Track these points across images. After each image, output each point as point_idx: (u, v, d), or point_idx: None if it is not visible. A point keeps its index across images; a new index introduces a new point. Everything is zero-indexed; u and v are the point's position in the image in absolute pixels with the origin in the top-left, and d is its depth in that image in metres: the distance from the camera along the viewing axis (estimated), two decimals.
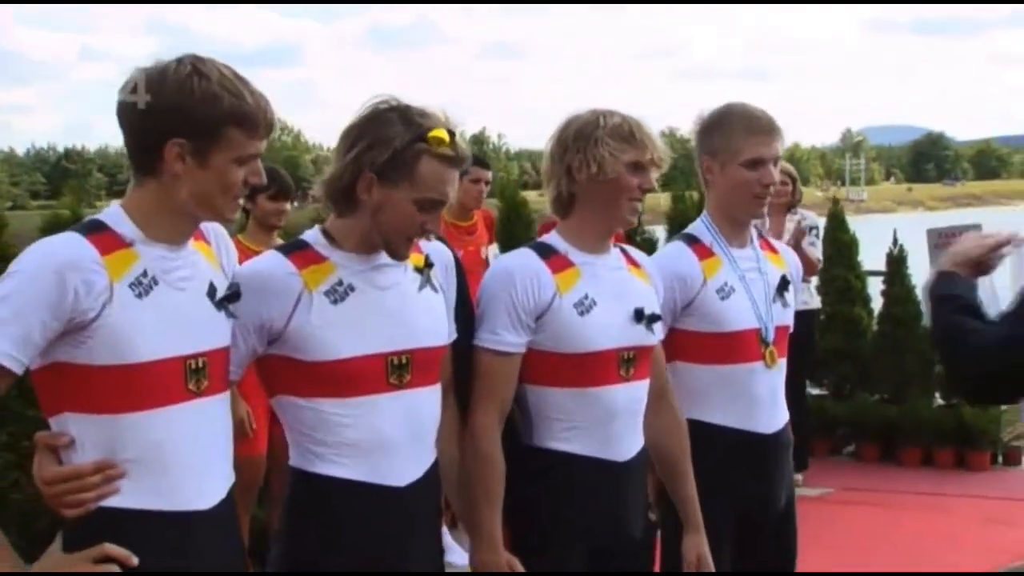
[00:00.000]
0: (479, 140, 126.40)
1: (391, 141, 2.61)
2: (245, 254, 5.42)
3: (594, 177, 2.98)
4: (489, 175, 7.25)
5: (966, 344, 2.45)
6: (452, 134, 2.65)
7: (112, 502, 2.35)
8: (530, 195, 9.24)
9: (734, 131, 3.37)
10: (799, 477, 7.45)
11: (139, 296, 2.35)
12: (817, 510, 7.00)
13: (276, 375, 2.68)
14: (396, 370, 2.69)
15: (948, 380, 2.50)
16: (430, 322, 2.78)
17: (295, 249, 2.71)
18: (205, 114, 2.34)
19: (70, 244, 2.34)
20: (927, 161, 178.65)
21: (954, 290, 2.61)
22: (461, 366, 2.96)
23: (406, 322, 2.71)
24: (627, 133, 2.99)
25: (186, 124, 2.34)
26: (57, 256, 2.30)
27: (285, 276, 2.63)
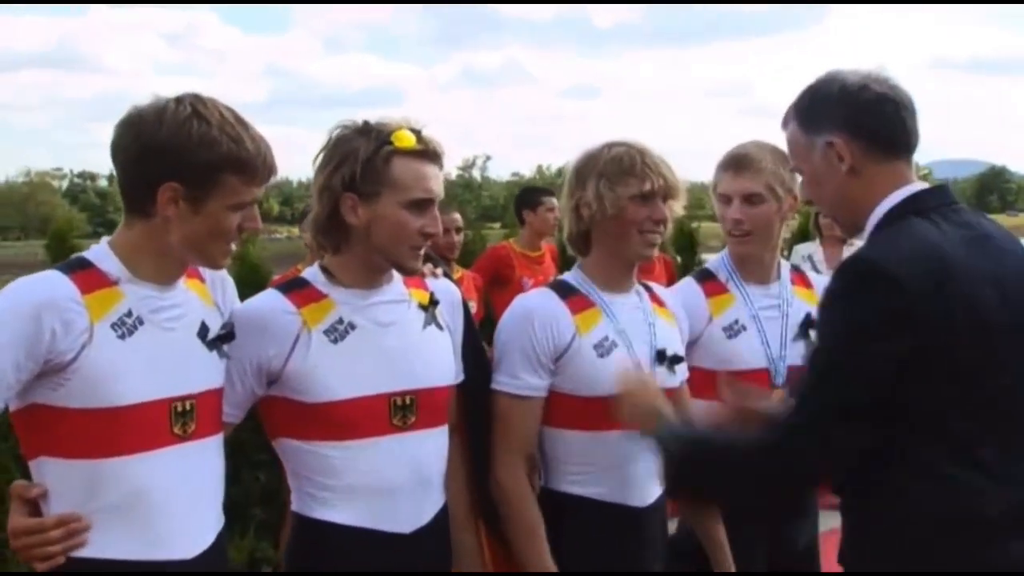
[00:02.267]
0: (564, 173, 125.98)
1: (356, 154, 2.37)
2: None
3: (596, 214, 2.68)
4: (556, 202, 7.17)
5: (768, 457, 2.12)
6: (417, 132, 2.41)
7: (91, 551, 2.11)
8: None
9: (717, 168, 3.14)
10: None
11: (121, 337, 2.11)
12: None
13: (276, 417, 2.43)
14: (399, 411, 2.42)
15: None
16: (436, 361, 2.50)
17: (294, 287, 2.45)
18: (202, 159, 2.10)
19: (49, 282, 2.10)
20: (990, 193, 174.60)
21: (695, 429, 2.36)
22: (473, 407, 2.67)
23: (410, 361, 2.44)
24: (627, 165, 2.67)
25: (182, 168, 2.10)
26: (34, 295, 2.07)
27: (282, 315, 2.38)
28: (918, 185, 2.24)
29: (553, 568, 2.63)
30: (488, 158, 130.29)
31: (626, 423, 2.49)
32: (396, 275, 2.51)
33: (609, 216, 2.67)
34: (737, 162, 3.07)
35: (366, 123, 2.43)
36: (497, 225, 26.54)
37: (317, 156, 2.44)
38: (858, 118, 2.23)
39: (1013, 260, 2.23)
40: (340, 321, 2.40)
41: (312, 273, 2.48)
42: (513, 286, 6.61)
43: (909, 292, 2.04)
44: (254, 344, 2.35)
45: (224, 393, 2.33)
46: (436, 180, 2.42)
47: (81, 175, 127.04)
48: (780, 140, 3.17)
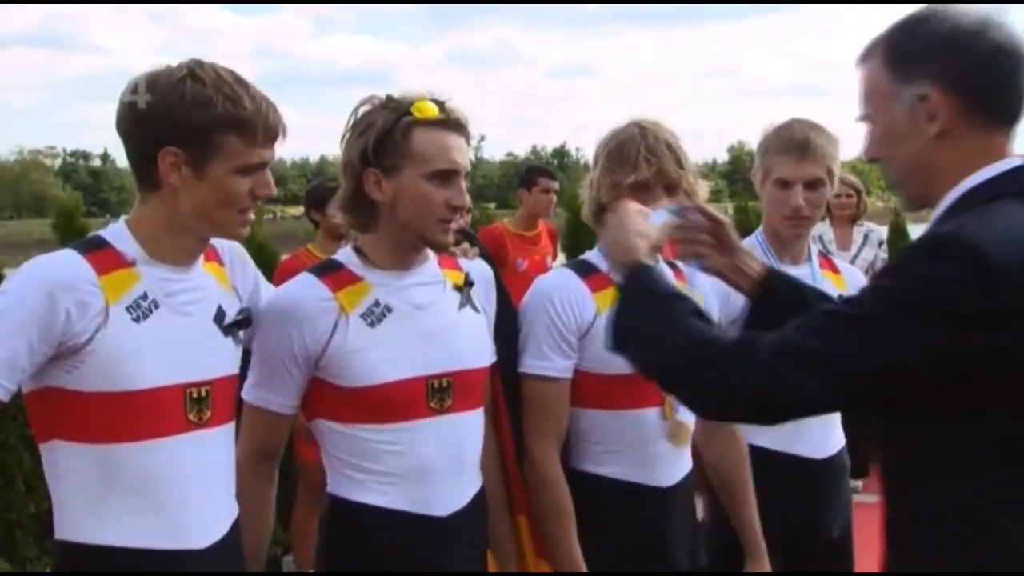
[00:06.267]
0: (560, 153, 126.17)
1: (375, 126, 2.31)
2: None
3: (598, 199, 2.67)
4: (556, 185, 7.16)
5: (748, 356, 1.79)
6: (440, 103, 2.34)
7: (104, 539, 2.05)
8: None
9: (770, 149, 3.07)
10: (859, 484, 7.04)
11: (136, 320, 2.04)
12: (875, 516, 6.60)
13: (314, 399, 2.38)
14: (437, 393, 2.37)
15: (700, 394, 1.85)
16: (471, 343, 2.45)
17: (329, 271, 2.39)
18: (197, 119, 2.01)
19: (65, 262, 2.04)
20: None
21: (674, 289, 2.02)
22: (508, 386, 2.63)
23: (446, 343, 2.39)
24: (627, 152, 2.63)
25: (178, 131, 2.02)
26: (50, 275, 2.00)
27: (320, 302, 2.32)
28: (1016, 160, 1.84)
29: (579, 557, 2.59)
30: (482, 138, 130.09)
31: (609, 245, 2.17)
32: (431, 255, 2.46)
33: (606, 203, 2.64)
34: (800, 147, 2.99)
35: (388, 96, 2.37)
36: (492, 205, 26.54)
37: (344, 134, 2.39)
38: (966, 72, 1.80)
39: None
40: (376, 304, 2.35)
41: (346, 255, 2.42)
42: (507, 268, 6.56)
43: (1012, 290, 1.66)
44: (293, 334, 2.30)
45: (274, 387, 2.31)
46: (460, 151, 2.35)
47: (74, 154, 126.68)
48: (775, 116, 3.10)
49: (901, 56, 1.85)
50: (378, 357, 2.32)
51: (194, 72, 2.04)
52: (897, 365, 1.69)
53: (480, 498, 2.48)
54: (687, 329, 1.87)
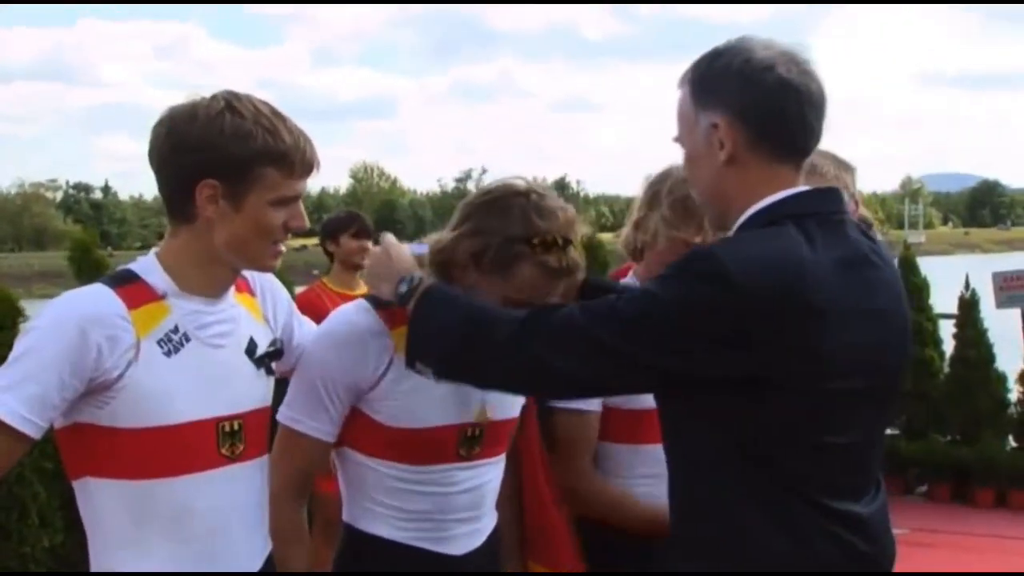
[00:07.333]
0: (561, 186, 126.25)
1: (494, 234, 2.22)
2: (332, 299, 5.39)
3: (649, 244, 2.65)
4: None
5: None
6: (568, 242, 2.25)
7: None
8: (606, 237, 8.88)
9: None
10: None
11: (168, 354, 2.01)
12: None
13: (346, 428, 2.34)
14: (467, 442, 2.35)
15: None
16: (506, 394, 2.41)
17: (387, 304, 2.33)
18: (237, 152, 1.99)
19: (95, 297, 2.00)
20: (982, 206, 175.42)
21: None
22: (544, 423, 2.63)
23: (483, 394, 2.36)
24: (691, 210, 2.55)
25: (217, 163, 1.99)
26: (80, 310, 1.96)
27: (378, 336, 2.29)
28: (801, 188, 1.95)
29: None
30: (484, 171, 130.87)
31: (373, 282, 2.24)
32: None
33: (659, 250, 2.63)
34: (809, 174, 2.99)
35: (531, 202, 2.24)
36: None
37: (477, 195, 2.33)
38: (752, 104, 1.89)
39: (886, 298, 1.94)
40: None
41: None
42: None
43: (753, 311, 1.77)
44: (350, 361, 2.27)
45: (318, 413, 2.28)
46: (553, 294, 2.26)
47: (76, 187, 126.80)
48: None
49: (701, 85, 1.95)
50: (422, 402, 2.29)
51: (232, 104, 2.02)
52: (650, 365, 1.83)
53: (495, 536, 2.48)
54: (474, 308, 1.98)
